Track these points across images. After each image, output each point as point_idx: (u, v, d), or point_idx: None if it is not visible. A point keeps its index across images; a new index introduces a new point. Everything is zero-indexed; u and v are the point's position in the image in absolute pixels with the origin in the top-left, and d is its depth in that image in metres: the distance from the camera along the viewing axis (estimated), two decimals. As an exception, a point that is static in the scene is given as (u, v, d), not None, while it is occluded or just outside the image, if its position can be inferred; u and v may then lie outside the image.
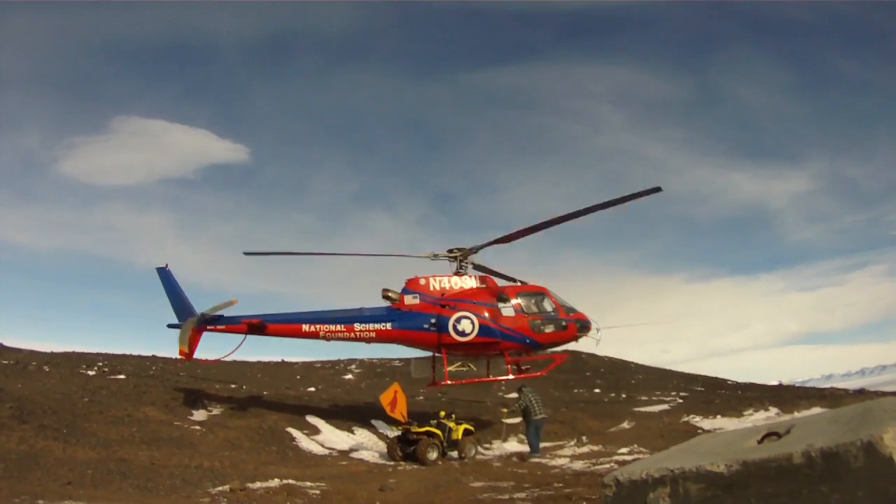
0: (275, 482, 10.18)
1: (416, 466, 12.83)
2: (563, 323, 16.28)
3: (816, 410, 16.66)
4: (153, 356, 28.11)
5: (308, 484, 10.21)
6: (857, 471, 3.08)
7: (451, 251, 16.56)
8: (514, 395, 24.61)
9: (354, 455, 14.15)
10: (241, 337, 15.73)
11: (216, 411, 15.26)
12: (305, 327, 15.71)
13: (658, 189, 14.67)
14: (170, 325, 16.16)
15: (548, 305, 16.42)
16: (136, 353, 28.31)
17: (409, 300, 15.85)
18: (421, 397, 20.75)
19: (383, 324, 15.72)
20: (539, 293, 16.60)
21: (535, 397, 14.78)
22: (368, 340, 15.83)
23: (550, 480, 10.91)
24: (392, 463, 13.36)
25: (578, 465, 13.17)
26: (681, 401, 21.99)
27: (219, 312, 15.72)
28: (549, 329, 16.15)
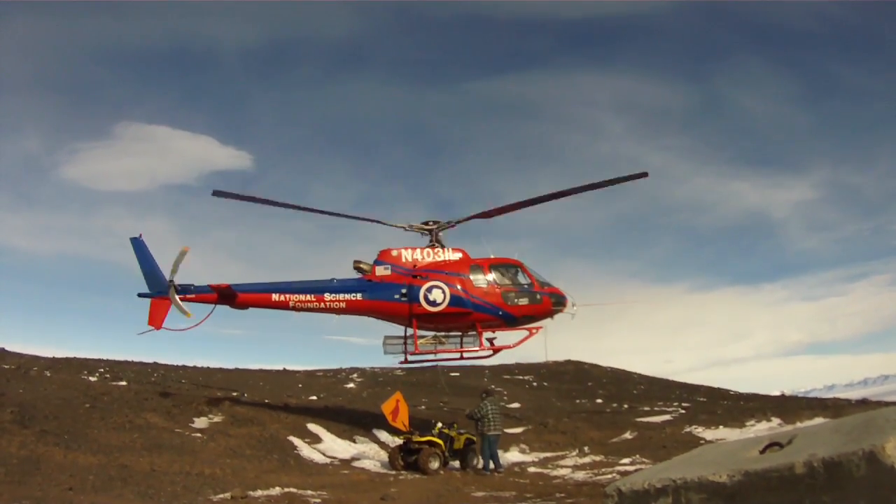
0: (276, 490, 10.16)
1: (417, 476, 12.78)
2: (538, 296, 16.05)
3: (819, 420, 16.57)
4: (154, 363, 28.20)
5: (309, 492, 10.19)
6: (860, 480, 3.09)
7: (425, 223, 16.40)
8: (517, 404, 24.62)
9: (356, 464, 14.10)
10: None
11: (218, 419, 15.24)
12: (275, 297, 15.56)
13: (644, 174, 14.63)
14: (140, 295, 15.81)
15: (522, 278, 16.23)
16: (137, 359, 28.44)
17: (381, 271, 15.75)
18: (423, 407, 20.71)
19: (353, 294, 15.59)
20: (513, 265, 16.38)
21: (494, 409, 14.06)
22: (338, 311, 15.69)
23: (552, 491, 10.89)
24: (393, 472, 13.30)
25: (580, 475, 13.13)
26: (683, 411, 21.89)
27: (179, 281, 15.27)
28: (523, 301, 15.89)
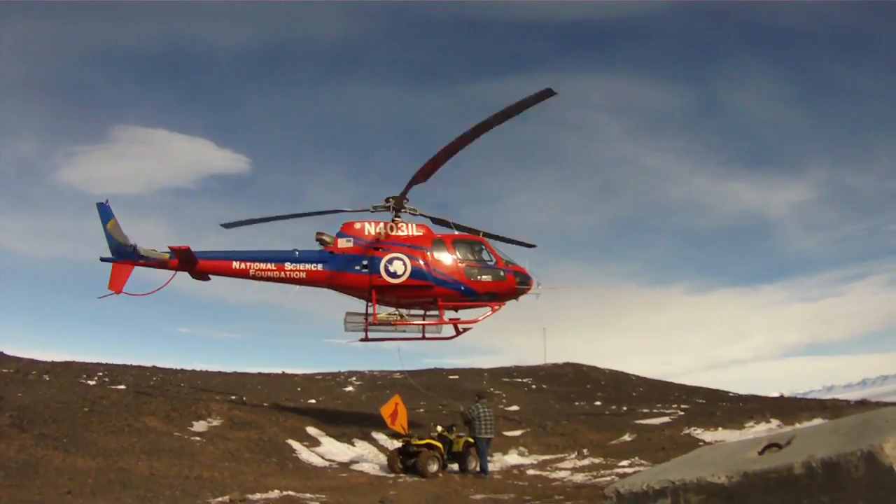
0: (275, 494, 10.15)
1: (416, 479, 12.76)
2: (502, 273, 16.03)
3: (818, 422, 16.58)
4: (153, 367, 28.15)
5: (308, 496, 10.18)
6: (858, 481, 3.10)
7: (387, 200, 16.32)
8: (516, 407, 24.60)
9: (355, 467, 14.08)
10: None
11: (216, 422, 15.21)
12: (236, 264, 15.59)
13: (552, 92, 12.79)
14: (102, 259, 15.86)
15: (486, 255, 16.20)
16: (136, 363, 28.40)
17: (343, 243, 15.80)
18: (422, 410, 20.69)
19: (315, 265, 15.60)
20: (477, 242, 16.37)
21: (486, 413, 13.83)
22: (299, 282, 15.68)
23: (552, 493, 10.88)
24: (392, 475, 13.29)
25: (579, 477, 13.12)
26: (682, 413, 21.87)
27: (131, 244, 15.48)
28: (486, 278, 15.88)
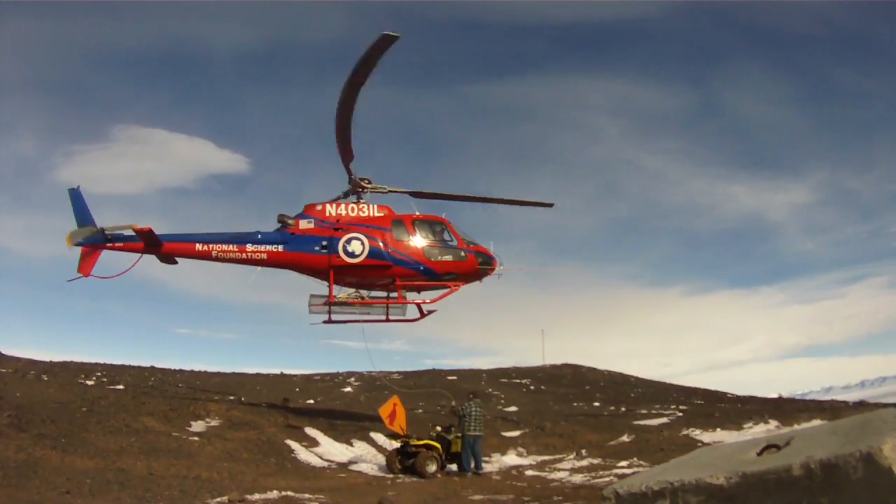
0: (273, 494, 10.14)
1: (415, 479, 12.76)
2: (462, 253, 16.13)
3: (816, 423, 16.58)
4: (152, 367, 28.17)
5: (307, 496, 10.17)
6: (857, 482, 3.10)
7: (362, 179, 16.51)
8: (514, 408, 24.59)
9: (353, 467, 14.07)
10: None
11: (215, 423, 15.21)
12: (199, 246, 15.77)
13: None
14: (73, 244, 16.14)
15: (446, 235, 16.28)
16: (134, 363, 28.41)
17: (304, 224, 15.95)
18: (420, 410, 20.68)
19: (275, 245, 15.76)
20: (438, 222, 16.45)
21: (478, 412, 13.87)
22: (260, 262, 15.83)
23: (550, 494, 10.87)
24: (391, 476, 13.28)
25: (578, 478, 13.11)
26: (680, 414, 21.89)
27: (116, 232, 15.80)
28: (447, 258, 15.98)
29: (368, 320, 16.77)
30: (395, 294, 16.27)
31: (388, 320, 16.74)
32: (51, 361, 24.38)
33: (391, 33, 12.24)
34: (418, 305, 16.60)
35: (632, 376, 36.31)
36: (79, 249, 15.87)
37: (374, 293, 16.65)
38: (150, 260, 16.19)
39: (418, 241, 15.97)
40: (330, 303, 15.99)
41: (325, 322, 16.62)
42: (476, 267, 16.23)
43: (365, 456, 15.27)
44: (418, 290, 16.39)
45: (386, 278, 15.99)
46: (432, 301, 16.51)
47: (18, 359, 22.79)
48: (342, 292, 16.27)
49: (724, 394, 30.43)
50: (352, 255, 15.54)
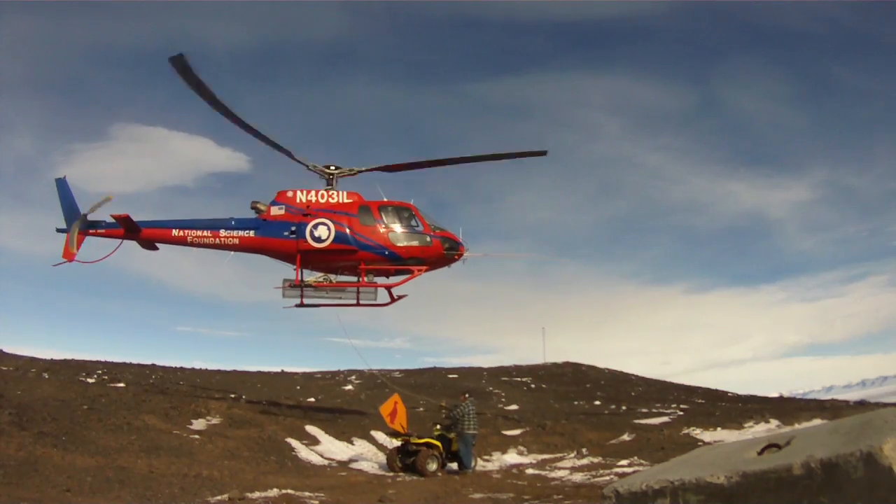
0: (273, 492, 10.14)
1: (415, 478, 12.77)
2: (428, 238, 16.27)
3: (817, 422, 16.59)
4: (153, 365, 28.23)
5: (307, 494, 10.17)
6: (857, 481, 3.10)
7: (327, 166, 16.84)
8: (515, 406, 24.61)
9: (354, 466, 14.09)
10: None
11: (215, 421, 15.22)
12: (175, 232, 16.56)
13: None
14: (59, 230, 16.85)
15: (413, 221, 16.47)
16: (135, 361, 28.47)
17: (275, 211, 16.48)
18: (421, 409, 20.70)
19: (247, 231, 16.42)
20: (405, 208, 16.63)
21: (473, 410, 14.04)
22: (232, 247, 16.48)
23: (550, 492, 10.87)
24: (391, 474, 13.30)
25: (578, 476, 13.12)
26: (681, 413, 21.91)
27: (97, 214, 16.57)
28: (413, 243, 16.18)
29: (340, 304, 17.13)
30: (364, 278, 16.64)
31: (358, 304, 17.03)
32: (51, 359, 24.44)
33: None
34: (388, 291, 16.95)
35: (632, 375, 36.36)
36: (63, 236, 16.51)
37: (341, 276, 17.01)
38: (150, 258, 16.43)
39: (384, 226, 16.28)
40: (297, 285, 16.43)
41: (297, 306, 16.98)
42: (441, 252, 16.41)
43: (365, 454, 15.29)
44: (386, 274, 16.66)
45: (352, 262, 16.34)
46: (395, 285, 16.80)
47: (19, 357, 22.84)
48: (311, 276, 16.76)
49: (725, 393, 30.47)
50: (318, 239, 15.98)
